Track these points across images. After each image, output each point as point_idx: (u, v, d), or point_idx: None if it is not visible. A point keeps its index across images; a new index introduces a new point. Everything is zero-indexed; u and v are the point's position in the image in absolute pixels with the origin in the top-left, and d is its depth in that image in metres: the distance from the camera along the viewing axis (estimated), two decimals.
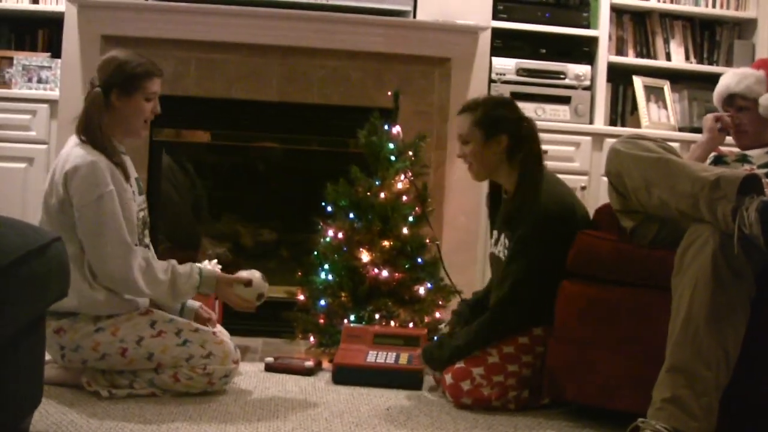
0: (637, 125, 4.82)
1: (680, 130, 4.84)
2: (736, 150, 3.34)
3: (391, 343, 3.43)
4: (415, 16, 4.42)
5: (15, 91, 4.39)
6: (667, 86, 4.92)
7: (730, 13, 4.95)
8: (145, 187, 4.17)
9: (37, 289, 2.00)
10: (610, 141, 4.43)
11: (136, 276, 2.84)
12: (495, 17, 4.64)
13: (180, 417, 2.70)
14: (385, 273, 3.66)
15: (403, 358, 3.33)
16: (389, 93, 3.91)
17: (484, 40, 4.51)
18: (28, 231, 2.05)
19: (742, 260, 2.36)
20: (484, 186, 4.45)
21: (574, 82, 4.71)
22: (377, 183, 3.74)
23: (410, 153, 3.80)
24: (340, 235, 3.73)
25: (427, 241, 3.78)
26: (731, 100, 3.26)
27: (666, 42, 4.94)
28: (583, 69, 4.73)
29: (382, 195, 3.71)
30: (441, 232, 4.26)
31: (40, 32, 4.64)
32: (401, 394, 3.17)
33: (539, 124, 4.51)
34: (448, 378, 3.05)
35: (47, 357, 2.71)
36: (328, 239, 3.76)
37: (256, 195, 4.82)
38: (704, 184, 2.41)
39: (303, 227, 4.09)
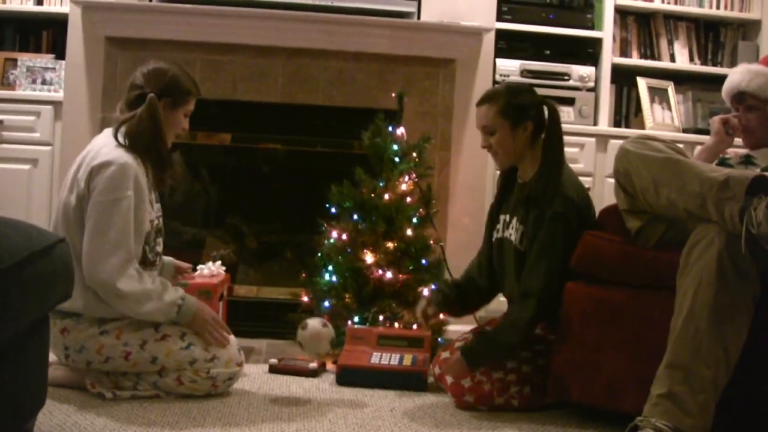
0: (642, 126, 4.81)
1: (684, 131, 4.84)
2: (741, 151, 3.33)
3: (395, 345, 3.43)
4: (419, 18, 4.42)
5: (19, 93, 4.40)
6: (671, 87, 4.92)
7: (734, 14, 4.95)
8: None
9: (42, 290, 2.00)
10: (614, 142, 4.43)
11: (120, 286, 2.80)
12: (499, 18, 4.64)
13: (183, 418, 2.70)
14: (389, 274, 3.66)
15: (407, 360, 3.33)
16: (393, 94, 3.91)
17: (489, 42, 4.51)
18: (33, 232, 2.05)
19: (748, 261, 2.36)
20: (489, 187, 4.46)
21: (578, 84, 4.71)
22: (381, 184, 3.74)
23: (414, 154, 3.80)
24: (344, 236, 3.73)
25: (432, 242, 3.78)
26: (741, 97, 3.21)
27: (670, 43, 4.93)
28: (587, 70, 4.73)
29: (387, 196, 3.71)
30: (445, 233, 4.26)
31: (44, 34, 4.65)
32: (405, 395, 3.17)
33: None
34: (449, 378, 3.05)
35: (51, 358, 2.71)
36: (332, 240, 3.76)
37: (261, 196, 4.81)
38: (713, 184, 2.41)
39: (307, 228, 4.10)
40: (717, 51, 4.99)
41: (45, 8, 4.55)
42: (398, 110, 3.85)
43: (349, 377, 3.27)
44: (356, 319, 3.63)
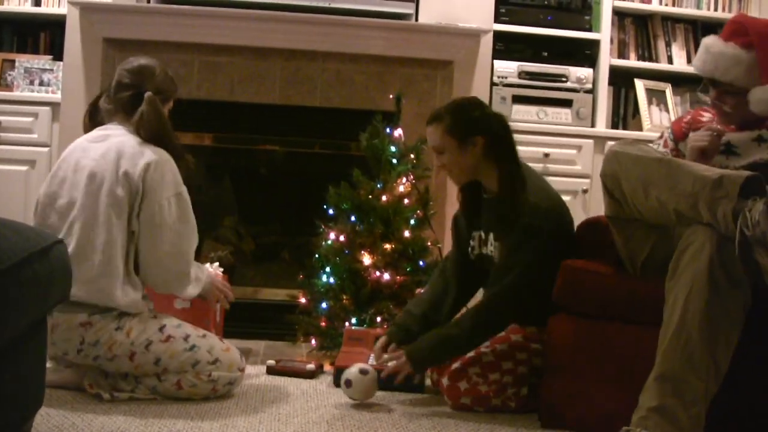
0: (639, 128, 4.82)
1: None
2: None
3: None
4: (417, 19, 4.42)
5: (17, 94, 4.40)
6: (668, 89, 4.93)
7: (732, 15, 4.95)
8: None
9: (39, 291, 2.00)
10: (611, 144, 4.43)
11: (192, 272, 3.06)
12: (497, 20, 4.64)
13: (181, 419, 2.70)
14: (386, 276, 3.66)
15: None
16: (391, 96, 3.91)
17: (486, 43, 4.52)
18: (30, 233, 2.05)
19: (739, 267, 2.31)
20: None
21: (575, 85, 4.71)
22: (379, 186, 3.74)
23: (412, 156, 3.80)
24: (341, 237, 3.73)
25: (429, 244, 3.78)
26: (715, 83, 2.98)
27: (668, 45, 4.94)
28: (584, 72, 4.73)
29: (384, 198, 3.71)
30: (443, 235, 4.25)
31: (42, 35, 4.65)
32: (403, 397, 3.17)
33: (541, 127, 4.57)
34: (444, 380, 3.05)
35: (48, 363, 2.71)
36: (329, 242, 3.76)
37: (258, 197, 4.82)
38: (706, 183, 2.36)
39: (305, 230, 4.10)
40: None
41: (43, 9, 4.55)
42: (396, 112, 3.85)
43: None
44: (354, 320, 3.63)
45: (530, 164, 4.47)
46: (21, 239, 1.94)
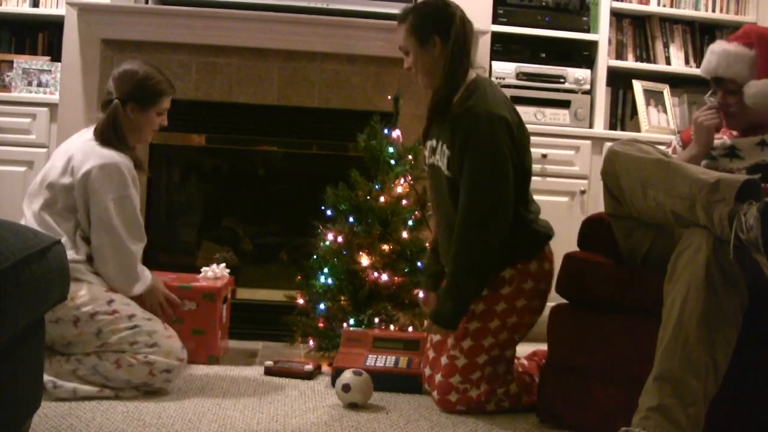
0: (637, 129, 4.82)
1: (680, 134, 4.84)
2: (727, 141, 3.16)
3: (390, 347, 3.43)
4: None
5: (15, 95, 4.39)
6: (666, 90, 4.93)
7: (730, 17, 4.96)
8: (145, 190, 4.20)
9: (38, 292, 2.00)
10: (609, 145, 4.43)
11: (139, 270, 3.16)
12: (495, 21, 4.64)
13: (179, 420, 2.70)
14: (384, 277, 3.66)
15: (403, 362, 3.33)
16: (389, 97, 3.92)
17: (484, 44, 4.52)
18: (28, 234, 2.06)
19: (736, 269, 2.33)
20: None
21: (573, 86, 4.71)
22: (377, 187, 3.74)
23: (410, 157, 3.80)
24: (339, 238, 3.73)
25: (427, 244, 3.78)
26: (719, 81, 3.01)
27: (666, 46, 4.94)
28: (582, 73, 4.73)
29: (382, 199, 3.71)
30: None
31: (41, 36, 4.64)
32: (401, 397, 3.17)
33: (539, 128, 4.57)
34: (435, 395, 3.05)
35: None
36: (327, 243, 3.76)
37: (256, 198, 4.82)
38: (702, 186, 2.37)
39: (303, 231, 4.09)
40: None
41: (41, 10, 4.55)
42: (394, 112, 3.85)
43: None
44: (352, 321, 3.63)
45: None
46: (19, 240, 1.95)
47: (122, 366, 2.92)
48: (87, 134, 3.20)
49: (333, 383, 3.26)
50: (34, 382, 2.17)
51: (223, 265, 3.67)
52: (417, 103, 4.30)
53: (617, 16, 4.89)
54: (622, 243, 2.78)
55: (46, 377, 2.86)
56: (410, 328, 3.66)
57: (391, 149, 3.76)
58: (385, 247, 3.70)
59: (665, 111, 4.89)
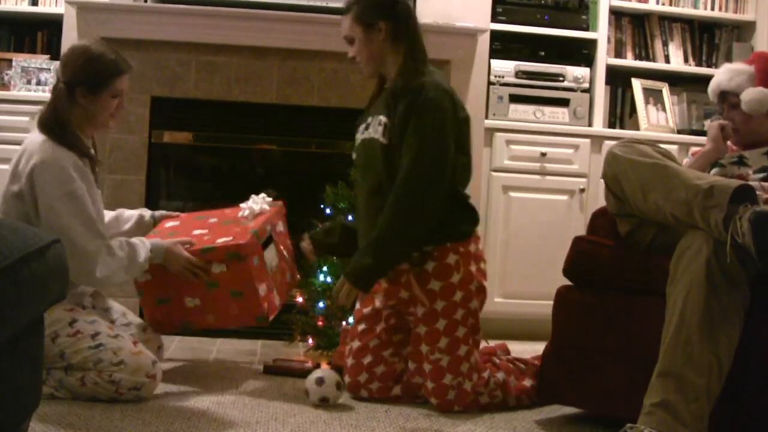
0: (636, 128, 4.82)
1: (679, 132, 4.85)
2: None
3: None
4: None
5: (14, 93, 4.39)
6: (665, 89, 4.93)
7: (729, 15, 4.96)
8: (144, 189, 4.20)
9: (37, 291, 2.00)
10: (609, 143, 4.43)
11: (98, 275, 2.84)
12: (494, 19, 4.65)
13: (179, 419, 2.69)
14: None
15: None
16: None
17: (483, 43, 4.52)
18: (27, 233, 2.05)
19: (737, 268, 2.34)
20: (484, 187, 4.47)
21: (572, 85, 4.72)
22: None
23: None
24: None
25: None
26: (723, 96, 3.19)
27: (665, 44, 4.94)
28: (581, 71, 4.74)
29: None
30: None
31: (40, 34, 4.64)
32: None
33: (538, 126, 4.57)
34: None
35: None
36: None
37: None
38: (697, 192, 2.40)
39: (302, 229, 4.09)
40: (712, 52, 5.00)
41: (40, 9, 4.54)
42: None
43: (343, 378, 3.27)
44: (351, 320, 3.62)
45: (527, 163, 4.51)
46: (18, 239, 1.94)
47: (87, 384, 2.81)
48: (35, 131, 2.94)
49: None
50: (33, 381, 2.16)
51: (263, 195, 3.39)
52: None
53: (616, 14, 4.89)
54: (626, 238, 2.79)
55: None
56: None
57: None
58: None
59: (664, 109, 4.89)
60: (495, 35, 4.65)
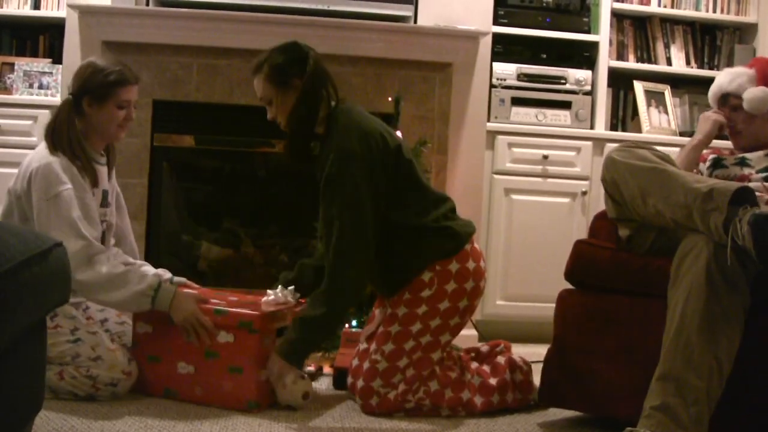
0: (638, 130, 4.82)
1: (681, 134, 4.84)
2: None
3: None
4: (416, 22, 4.42)
5: (16, 97, 4.40)
6: (667, 91, 4.93)
7: (731, 17, 4.96)
8: (146, 192, 4.20)
9: (39, 293, 2.00)
10: (611, 146, 4.43)
11: (79, 277, 2.82)
12: (495, 22, 4.65)
13: (181, 421, 2.70)
14: None
15: None
16: (390, 98, 3.92)
17: (485, 45, 4.52)
18: (29, 236, 2.05)
19: (737, 271, 2.34)
20: (485, 191, 4.47)
21: (574, 87, 4.72)
22: None
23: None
24: None
25: None
26: (725, 99, 3.24)
27: (667, 47, 4.94)
28: (583, 74, 4.74)
29: None
30: None
31: (42, 38, 4.65)
32: None
33: (540, 129, 4.57)
34: (357, 400, 3.02)
35: None
36: None
37: (257, 200, 4.82)
38: (697, 196, 2.40)
39: (303, 232, 4.09)
40: (713, 54, 5.00)
41: (42, 12, 4.55)
42: (395, 114, 3.85)
43: (346, 380, 3.27)
44: (354, 323, 3.63)
45: (529, 166, 4.51)
46: (20, 242, 1.94)
47: (65, 378, 2.86)
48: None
49: (335, 384, 3.27)
50: (35, 383, 2.17)
51: (292, 288, 3.19)
52: (417, 104, 4.31)
53: (618, 16, 4.89)
54: (626, 242, 2.79)
55: None
56: None
57: None
58: None
59: (666, 112, 4.89)
60: (497, 38, 4.65)
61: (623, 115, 4.97)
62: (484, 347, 3.33)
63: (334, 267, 2.91)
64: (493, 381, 3.07)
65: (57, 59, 4.47)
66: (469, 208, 4.42)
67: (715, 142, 3.48)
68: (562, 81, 4.72)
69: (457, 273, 2.99)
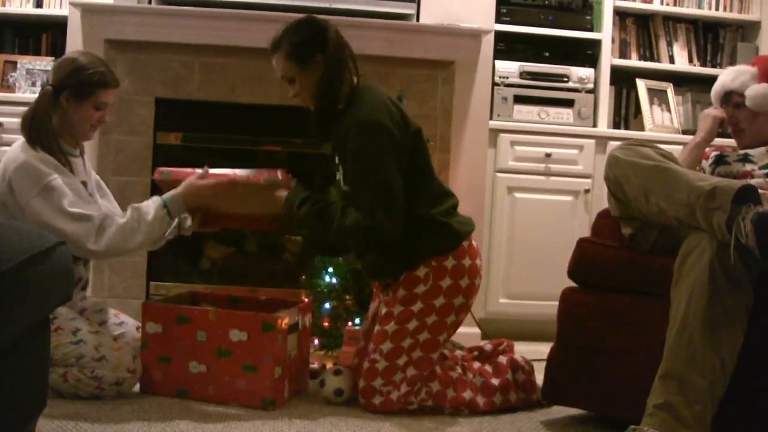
0: (641, 128, 4.82)
1: (684, 132, 4.84)
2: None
3: None
4: (418, 20, 4.42)
5: (19, 95, 4.40)
6: (670, 89, 4.93)
7: (734, 15, 4.96)
8: (149, 191, 4.20)
9: (42, 292, 2.00)
10: (613, 144, 4.43)
11: (93, 247, 2.88)
12: (498, 20, 4.65)
13: (185, 419, 2.70)
14: None
15: None
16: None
17: (488, 43, 4.51)
18: (32, 235, 2.05)
19: (740, 269, 2.34)
20: (488, 189, 4.47)
21: (577, 85, 4.72)
22: None
23: None
24: None
25: None
26: (727, 97, 3.24)
27: (669, 45, 4.94)
28: (586, 72, 4.73)
29: None
30: None
31: (44, 36, 4.65)
32: None
33: (542, 127, 4.57)
34: (360, 399, 3.00)
35: None
36: None
37: None
38: (700, 194, 2.39)
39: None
40: (716, 52, 5.00)
41: (44, 11, 4.56)
42: None
43: None
44: (357, 321, 3.63)
45: (532, 164, 4.51)
46: (23, 240, 1.95)
47: (69, 380, 2.85)
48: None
49: None
50: (39, 382, 2.17)
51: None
52: (420, 102, 4.30)
53: (620, 14, 4.89)
54: (629, 241, 2.79)
55: None
56: None
57: None
58: None
59: (669, 110, 4.88)
60: (499, 36, 4.65)
61: (626, 113, 4.97)
62: (488, 346, 3.33)
63: (369, 228, 2.88)
64: (495, 381, 3.07)
65: (59, 57, 4.46)
66: (471, 206, 4.41)
67: (718, 140, 3.48)
68: (565, 79, 4.71)
69: (452, 269, 2.98)
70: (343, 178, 3.03)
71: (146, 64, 4.18)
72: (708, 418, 2.31)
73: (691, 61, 4.96)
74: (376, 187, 2.88)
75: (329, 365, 3.52)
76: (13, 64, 4.50)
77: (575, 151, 4.58)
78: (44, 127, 2.95)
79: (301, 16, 3.07)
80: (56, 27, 4.55)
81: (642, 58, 4.93)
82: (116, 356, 2.91)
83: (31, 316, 1.97)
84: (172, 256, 4.35)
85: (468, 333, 3.42)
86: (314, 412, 2.92)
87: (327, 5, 4.28)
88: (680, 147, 4.08)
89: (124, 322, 3.19)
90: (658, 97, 4.90)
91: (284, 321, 2.97)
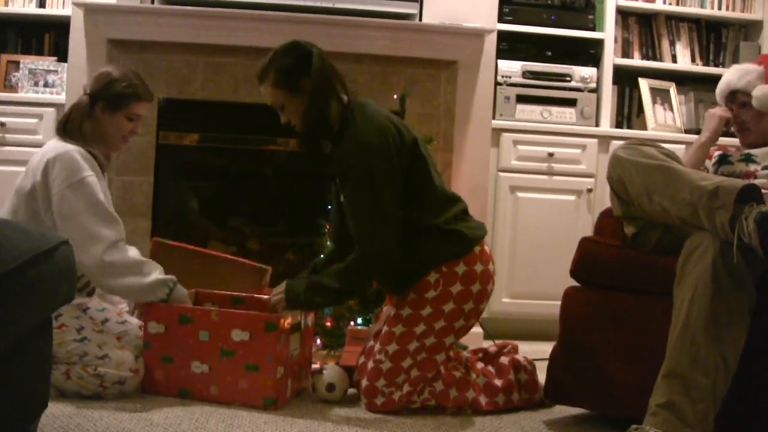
0: (644, 127, 4.82)
1: (686, 132, 4.84)
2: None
3: None
4: (421, 19, 4.42)
5: (21, 95, 4.41)
6: (673, 88, 4.92)
7: (736, 14, 4.96)
8: (152, 191, 4.21)
9: (45, 292, 2.00)
10: (616, 143, 4.43)
11: (107, 258, 2.91)
12: (501, 20, 4.65)
13: (186, 420, 2.70)
14: None
15: None
16: (395, 96, 3.91)
17: (490, 43, 4.51)
18: (36, 234, 2.06)
19: (743, 268, 2.34)
20: (491, 189, 4.47)
21: (580, 85, 4.71)
22: None
23: None
24: None
25: None
26: (733, 96, 3.23)
27: (672, 44, 4.94)
28: (589, 71, 4.73)
29: None
30: None
31: (47, 36, 4.66)
32: None
33: (545, 126, 4.57)
34: (362, 399, 3.01)
35: None
36: None
37: (263, 198, 4.82)
38: (703, 193, 2.39)
39: (309, 230, 4.09)
40: (719, 52, 4.99)
41: (47, 11, 4.56)
42: (400, 112, 3.85)
43: (352, 378, 3.27)
44: (359, 320, 3.63)
45: (534, 163, 4.51)
46: (26, 240, 1.95)
47: (72, 378, 2.86)
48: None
49: None
50: (41, 381, 2.17)
51: None
52: (422, 102, 4.30)
53: (623, 14, 4.89)
54: (632, 240, 2.79)
55: None
56: None
57: None
58: None
59: (672, 109, 4.88)
60: (502, 35, 4.65)
61: (628, 112, 4.97)
62: (492, 348, 3.33)
63: (359, 252, 2.93)
64: (498, 382, 3.07)
65: (62, 57, 4.48)
66: (474, 206, 4.40)
67: (722, 140, 3.47)
68: (568, 78, 4.71)
69: (463, 275, 2.98)
70: (345, 202, 3.07)
71: (149, 63, 4.18)
72: (711, 417, 2.30)
73: (693, 60, 4.96)
74: (372, 206, 2.91)
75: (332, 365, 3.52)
76: (16, 64, 4.50)
77: (578, 151, 4.58)
78: (78, 130, 3.08)
79: (288, 41, 3.08)
80: (59, 27, 4.56)
81: (645, 57, 4.93)
82: (119, 355, 2.91)
83: (33, 316, 1.97)
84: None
85: (471, 332, 3.41)
86: (316, 411, 2.92)
87: (330, 5, 4.28)
88: (683, 146, 4.08)
89: (127, 321, 3.20)
90: (660, 96, 4.89)
91: (286, 321, 2.97)
